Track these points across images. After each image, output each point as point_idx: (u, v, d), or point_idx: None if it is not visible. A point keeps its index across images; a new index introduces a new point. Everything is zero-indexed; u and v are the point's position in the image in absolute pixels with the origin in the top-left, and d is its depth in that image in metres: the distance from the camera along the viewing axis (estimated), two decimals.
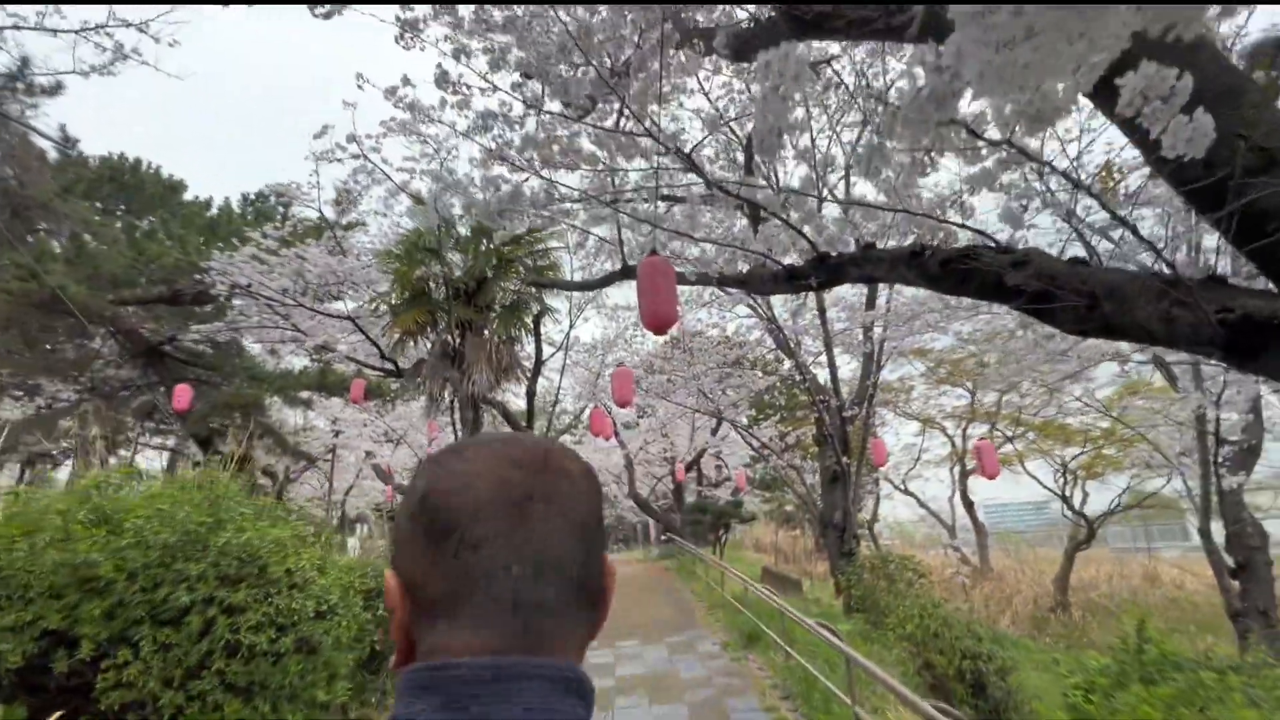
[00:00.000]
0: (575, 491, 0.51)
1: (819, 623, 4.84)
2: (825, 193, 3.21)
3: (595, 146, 3.63)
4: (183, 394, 10.47)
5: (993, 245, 2.91)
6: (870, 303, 9.77)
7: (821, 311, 9.56)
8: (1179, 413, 7.56)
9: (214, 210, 15.74)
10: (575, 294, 11.62)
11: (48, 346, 12.36)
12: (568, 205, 4.31)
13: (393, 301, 10.11)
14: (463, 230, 10.68)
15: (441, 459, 0.52)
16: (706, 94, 4.03)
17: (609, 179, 3.97)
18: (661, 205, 4.34)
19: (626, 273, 4.91)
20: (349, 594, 4.32)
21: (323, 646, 3.74)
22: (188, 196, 15.81)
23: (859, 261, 3.46)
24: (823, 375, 10.67)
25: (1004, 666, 5.10)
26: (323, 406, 17.63)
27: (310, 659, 3.66)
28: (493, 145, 3.69)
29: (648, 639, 7.73)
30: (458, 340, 10.16)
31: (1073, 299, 2.47)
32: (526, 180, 3.87)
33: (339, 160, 7.71)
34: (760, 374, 13.81)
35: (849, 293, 10.62)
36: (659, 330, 3.94)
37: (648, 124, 3.45)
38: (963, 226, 2.96)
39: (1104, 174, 3.31)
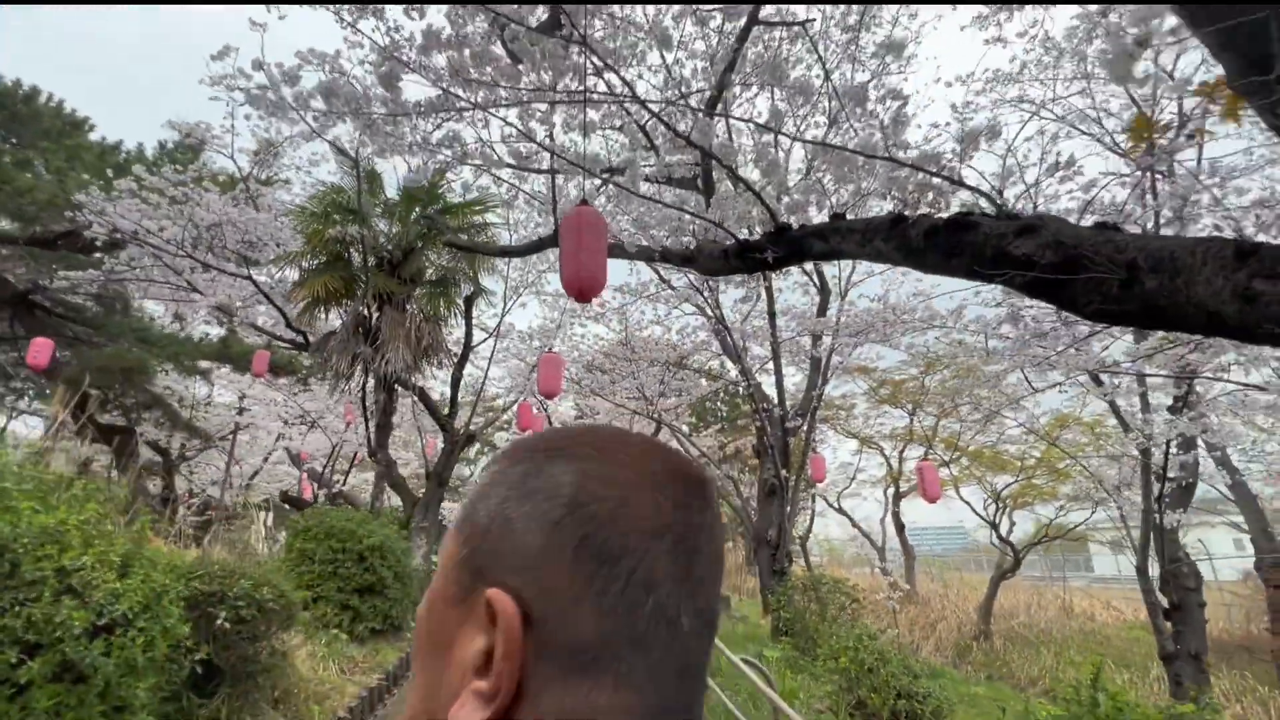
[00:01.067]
0: (720, 529, 0.41)
1: (745, 659, 4.23)
2: (795, 131, 2.62)
3: (514, 58, 2.88)
4: (41, 349, 9.04)
5: (995, 208, 2.35)
6: (821, 310, 9.40)
7: (771, 315, 9.09)
8: (1118, 447, 7.42)
9: (123, 155, 14.00)
10: (512, 276, 10.77)
11: None
12: (493, 146, 3.54)
13: (304, 264, 8.99)
14: (391, 194, 9.68)
15: (578, 451, 0.39)
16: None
17: (535, 106, 3.24)
18: (598, 181, 3.63)
19: (557, 237, 4.09)
20: (161, 600, 3.39)
21: (99, 672, 2.82)
22: (94, 137, 14.02)
23: (825, 233, 2.84)
24: (767, 384, 10.25)
25: (939, 708, 4.63)
26: (228, 380, 16.02)
27: (76, 689, 2.75)
28: (385, 40, 2.89)
29: None
30: (375, 314, 9.14)
31: (1101, 272, 1.92)
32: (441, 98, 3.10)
33: (241, 89, 6.61)
34: (705, 380, 13.33)
35: (799, 301, 10.26)
36: (582, 296, 3.28)
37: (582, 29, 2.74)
38: (958, 185, 2.40)
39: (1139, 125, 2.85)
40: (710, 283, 8.44)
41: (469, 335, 10.60)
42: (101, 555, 3.02)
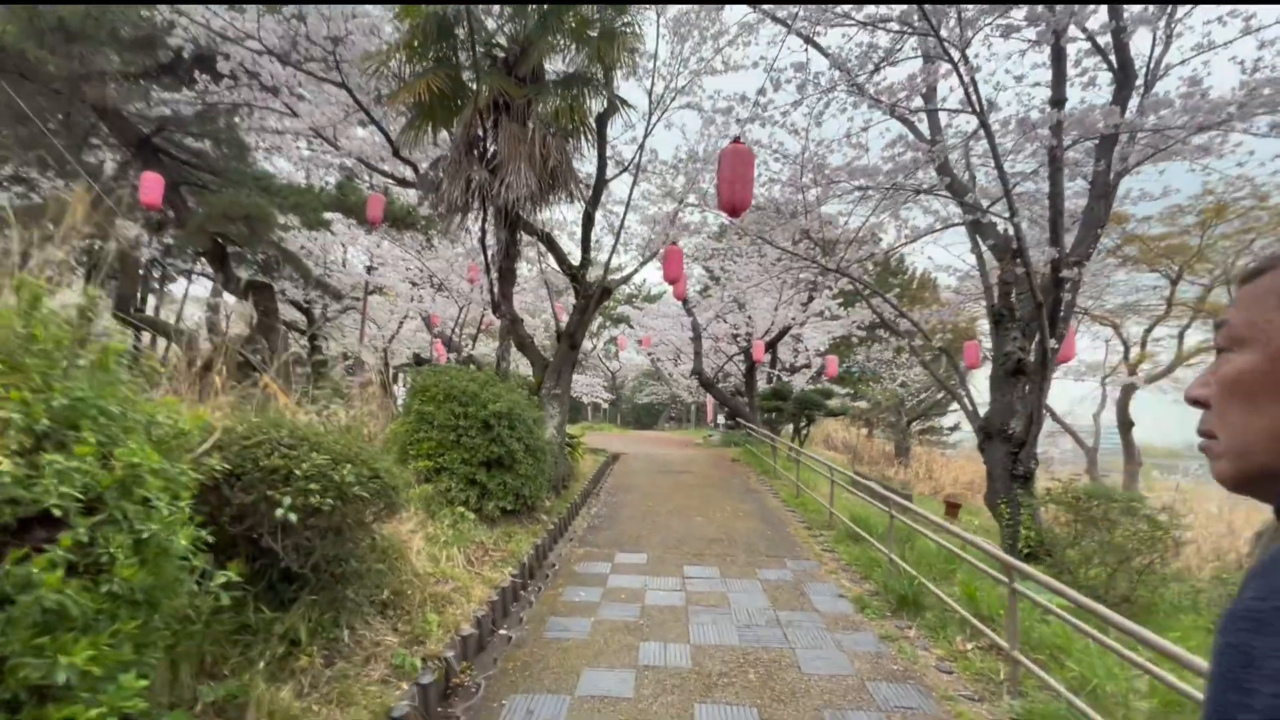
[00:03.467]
0: None
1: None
2: None
3: None
4: (152, 185, 8.08)
5: None
6: (1119, 100, 6.11)
7: (1058, 102, 5.97)
8: None
9: None
10: (656, 86, 8.23)
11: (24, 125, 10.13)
12: None
13: (401, 60, 7.07)
14: None
15: None
16: None
17: None
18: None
19: None
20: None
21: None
22: None
23: None
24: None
25: None
26: (351, 236, 15.42)
27: None
28: None
29: (731, 567, 5.34)
30: (489, 130, 7.22)
31: None
32: None
33: None
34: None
35: (1076, 99, 6.85)
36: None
37: None
38: None
39: None
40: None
41: (602, 163, 8.45)
42: None
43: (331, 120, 8.37)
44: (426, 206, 9.13)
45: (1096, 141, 6.43)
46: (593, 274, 8.52)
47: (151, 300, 20.29)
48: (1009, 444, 6.50)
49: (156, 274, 18.48)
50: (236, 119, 10.78)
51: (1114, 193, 6.75)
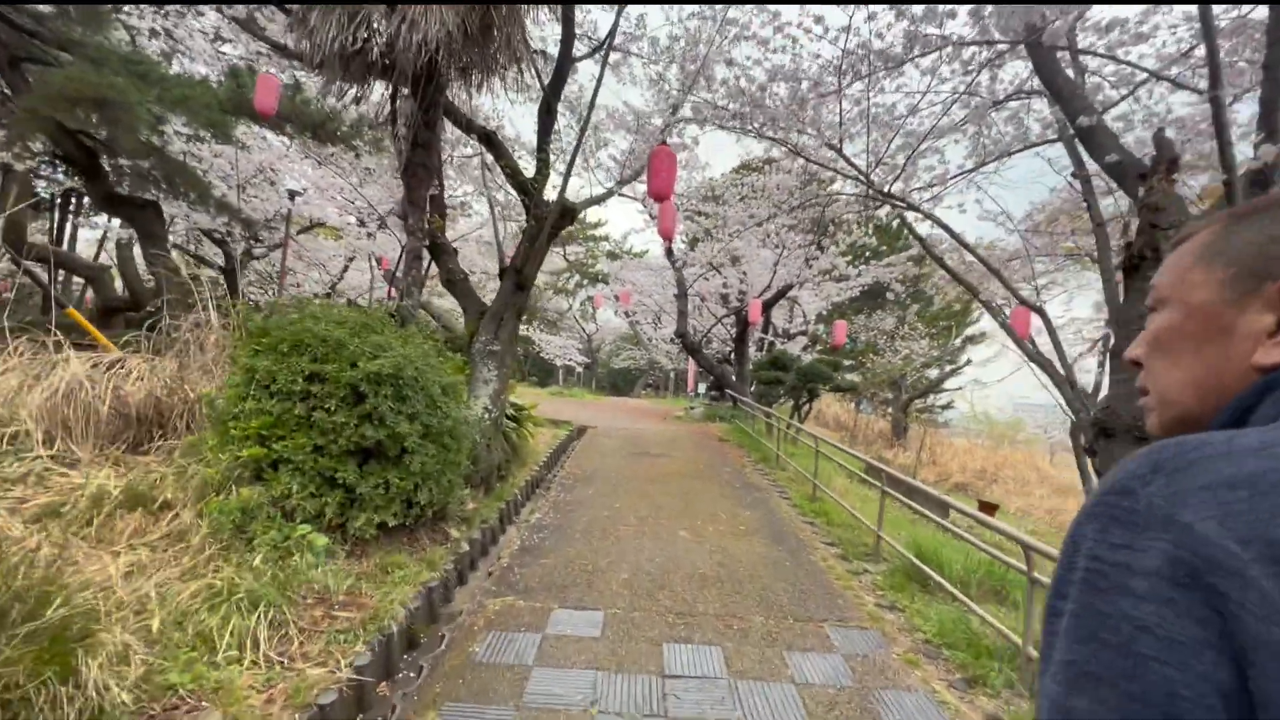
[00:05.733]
0: None
1: None
2: None
3: None
4: None
5: None
6: None
7: None
8: None
9: None
10: None
11: None
12: None
13: None
14: None
15: None
16: None
17: None
18: None
19: None
20: None
21: None
22: None
23: None
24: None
25: None
26: (275, 154, 12.64)
27: None
28: None
29: (742, 646, 3.19)
30: None
31: None
32: None
33: None
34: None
35: None
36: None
37: None
38: None
39: None
40: None
41: (569, 33, 6.01)
42: None
43: None
44: (320, 80, 6.55)
45: None
46: (559, 194, 6.15)
47: (89, 234, 17.28)
48: (1143, 445, 4.42)
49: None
50: None
51: None
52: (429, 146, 5.18)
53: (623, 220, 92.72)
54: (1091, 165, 5.71)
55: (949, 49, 5.49)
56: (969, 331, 24.20)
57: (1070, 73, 5.79)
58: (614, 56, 7.27)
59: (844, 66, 5.78)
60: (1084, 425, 4.93)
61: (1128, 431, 4.60)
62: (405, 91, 5.09)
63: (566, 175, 5.78)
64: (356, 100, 5.54)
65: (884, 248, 17.42)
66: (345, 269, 18.36)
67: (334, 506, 3.71)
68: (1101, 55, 5.40)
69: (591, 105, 5.49)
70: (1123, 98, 5.35)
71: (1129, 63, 5.30)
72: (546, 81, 6.15)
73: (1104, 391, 6.96)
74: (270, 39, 7.00)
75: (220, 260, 15.32)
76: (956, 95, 6.01)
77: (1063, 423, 18.84)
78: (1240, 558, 0.36)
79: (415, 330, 4.71)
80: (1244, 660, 0.36)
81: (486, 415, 5.82)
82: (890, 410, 20.33)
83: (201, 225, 13.89)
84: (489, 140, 6.26)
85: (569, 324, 34.29)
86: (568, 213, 6.18)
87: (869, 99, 5.94)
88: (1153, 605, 0.38)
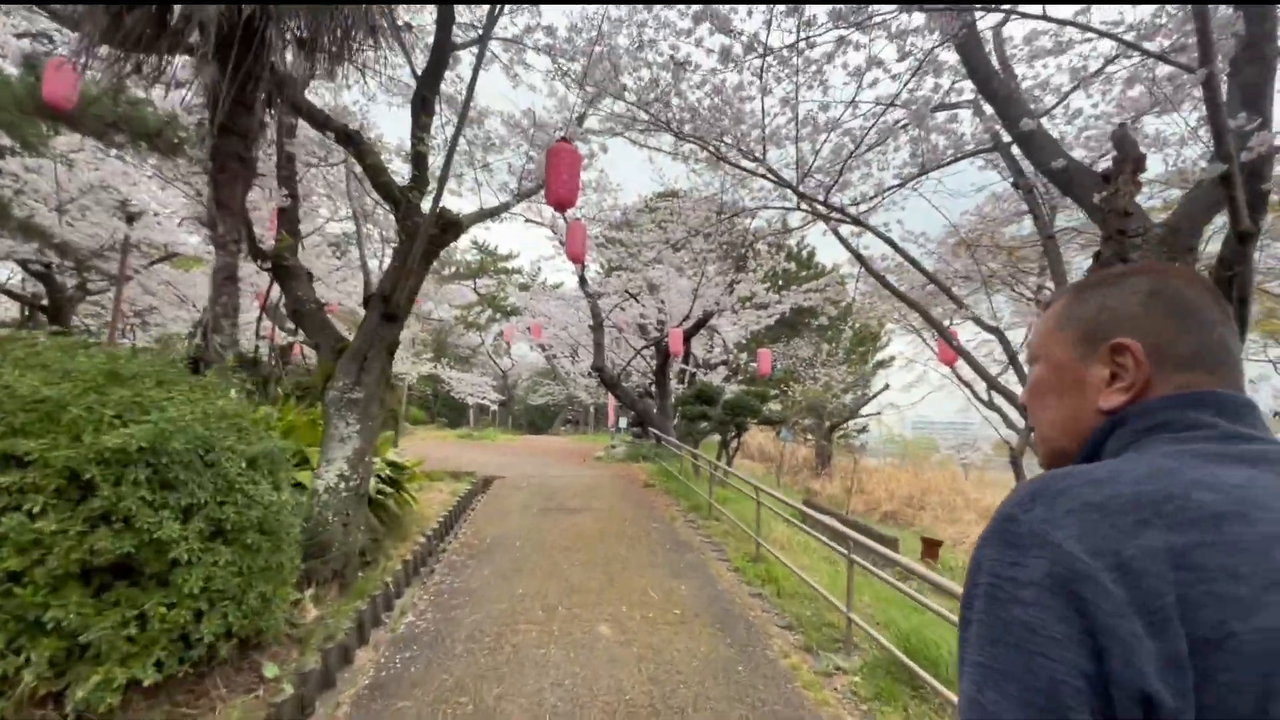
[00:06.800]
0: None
1: None
2: None
3: None
4: None
5: None
6: None
7: None
8: None
9: None
10: None
11: None
12: None
13: None
14: None
15: (1140, 268, 0.66)
16: None
17: None
18: None
19: None
20: None
21: None
22: None
23: None
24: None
25: None
26: (112, 170, 10.57)
27: None
28: None
29: None
30: None
31: None
32: None
33: None
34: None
35: None
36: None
37: None
38: None
39: None
40: None
41: (445, 18, 4.94)
42: None
43: None
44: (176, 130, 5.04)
45: None
46: (434, 202, 4.96)
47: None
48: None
49: None
50: None
51: None
52: (246, 135, 3.90)
53: (534, 250, 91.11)
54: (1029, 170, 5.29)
55: (880, 41, 4.91)
56: (879, 356, 24.78)
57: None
58: (508, 54, 6.28)
59: (763, 67, 5.08)
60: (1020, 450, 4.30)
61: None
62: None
63: (443, 179, 4.63)
64: (156, 77, 4.17)
65: (803, 273, 17.34)
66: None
67: (40, 666, 2.30)
68: (1065, 22, 4.99)
69: (471, 88, 4.42)
70: (1062, 98, 4.94)
71: (1105, 32, 4.90)
72: (422, 67, 5.04)
73: None
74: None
75: (45, 298, 12.71)
76: (890, 101, 5.47)
77: (973, 443, 19.30)
78: (1093, 567, 0.44)
79: (214, 379, 3.34)
80: (1100, 648, 0.43)
81: (343, 484, 4.45)
82: (811, 437, 20.12)
83: (17, 255, 11.43)
84: (349, 138, 5.02)
85: (482, 360, 32.40)
86: (450, 226, 5.02)
87: (795, 99, 5.26)
88: (1036, 610, 0.45)
